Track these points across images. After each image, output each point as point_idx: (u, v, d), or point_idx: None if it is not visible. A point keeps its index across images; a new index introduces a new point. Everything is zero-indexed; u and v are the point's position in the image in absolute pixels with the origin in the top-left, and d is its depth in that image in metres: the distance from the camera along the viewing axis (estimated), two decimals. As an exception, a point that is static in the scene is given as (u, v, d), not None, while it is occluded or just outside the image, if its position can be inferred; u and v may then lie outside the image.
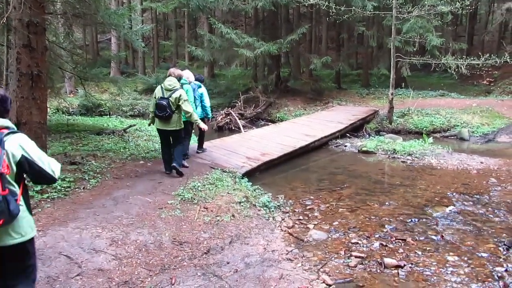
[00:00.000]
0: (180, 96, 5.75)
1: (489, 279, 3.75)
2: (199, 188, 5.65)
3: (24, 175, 2.39)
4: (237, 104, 15.23)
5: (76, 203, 4.84)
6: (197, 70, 20.19)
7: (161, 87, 5.88)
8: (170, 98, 5.73)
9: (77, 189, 5.29)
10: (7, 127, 2.35)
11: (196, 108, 7.01)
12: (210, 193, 5.56)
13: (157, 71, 22.83)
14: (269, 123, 13.71)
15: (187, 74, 6.87)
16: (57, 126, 10.16)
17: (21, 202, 2.34)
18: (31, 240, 2.46)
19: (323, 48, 21.04)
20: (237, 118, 13.10)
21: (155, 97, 5.91)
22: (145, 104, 18.14)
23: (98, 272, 3.46)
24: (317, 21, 21.66)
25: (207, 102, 7.43)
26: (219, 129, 13.46)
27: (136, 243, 4.02)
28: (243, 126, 12.64)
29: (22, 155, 2.30)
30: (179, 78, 6.09)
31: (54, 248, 3.71)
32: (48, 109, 8.13)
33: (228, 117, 13.61)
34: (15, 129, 2.42)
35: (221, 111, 14.29)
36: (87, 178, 5.74)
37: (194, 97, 7.00)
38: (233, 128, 13.21)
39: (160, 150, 6.47)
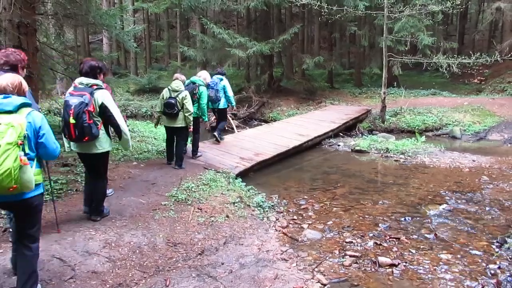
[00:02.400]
0: (185, 96, 6.48)
1: (483, 277, 3.78)
2: (193, 189, 5.63)
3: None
4: (230, 104, 15.19)
5: (68, 205, 4.80)
6: (189, 71, 20.10)
7: (169, 89, 6.56)
8: (177, 98, 6.42)
9: (69, 191, 5.24)
10: (97, 85, 4.09)
11: (220, 99, 8.50)
12: (204, 193, 5.55)
13: (149, 72, 22.73)
14: (262, 123, 13.69)
15: (204, 75, 7.63)
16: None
17: (102, 129, 4.11)
18: (107, 153, 4.35)
19: (315, 48, 21.11)
20: (230, 119, 13.04)
21: (163, 98, 6.57)
22: (137, 105, 18.05)
23: (92, 274, 3.43)
24: (309, 21, 21.70)
25: (230, 93, 8.69)
26: (212, 129, 13.39)
27: (129, 245, 3.99)
28: (236, 126, 12.62)
29: (102, 102, 4.00)
30: (183, 82, 6.75)
31: (47, 251, 3.67)
32: (40, 110, 8.07)
33: (221, 117, 13.56)
34: (103, 86, 4.19)
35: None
36: (79, 180, 5.69)
37: (217, 89, 8.40)
38: (226, 128, 13.16)
39: (165, 146, 7.14)
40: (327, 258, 4.19)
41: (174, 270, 3.69)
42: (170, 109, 6.40)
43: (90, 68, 4.12)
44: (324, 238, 4.70)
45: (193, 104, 7.03)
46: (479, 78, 19.03)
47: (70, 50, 16.98)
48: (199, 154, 7.58)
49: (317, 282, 3.66)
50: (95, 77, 4.15)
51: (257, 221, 5.04)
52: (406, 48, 13.70)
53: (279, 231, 4.86)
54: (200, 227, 4.57)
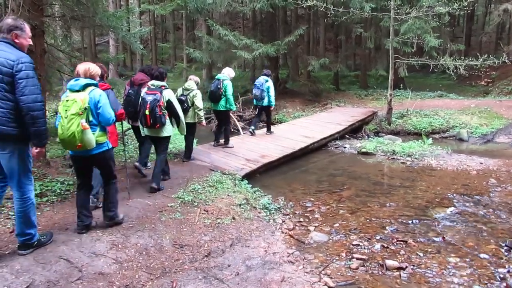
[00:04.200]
0: (195, 94, 7.08)
1: (491, 281, 3.74)
2: (199, 191, 5.63)
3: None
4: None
5: (75, 206, 4.80)
6: (195, 72, 20.14)
7: (182, 88, 7.21)
8: (188, 96, 7.05)
9: (76, 192, 5.24)
10: (164, 85, 5.62)
11: (264, 98, 9.58)
12: (210, 195, 5.55)
13: (155, 73, 22.77)
14: (268, 125, 13.65)
15: (228, 71, 8.29)
16: (56, 129, 10.09)
17: (167, 119, 5.54)
18: (169, 137, 5.75)
19: (321, 50, 21.06)
20: (236, 120, 13.06)
21: (176, 95, 6.95)
22: (143, 106, 18.08)
23: (99, 276, 3.44)
24: (315, 23, 21.67)
25: (272, 93, 9.67)
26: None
27: (136, 246, 3.99)
28: (241, 128, 12.62)
29: (168, 99, 5.53)
30: (197, 83, 7.29)
31: (54, 252, 3.69)
32: (47, 112, 8.20)
33: (227, 119, 13.56)
34: (167, 86, 5.70)
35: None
36: (86, 181, 5.70)
37: (263, 89, 9.50)
38: (232, 130, 13.17)
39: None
40: (334, 260, 4.17)
41: (180, 272, 3.68)
42: (181, 106, 6.76)
43: (159, 73, 5.72)
44: (330, 240, 4.67)
45: (220, 98, 8.00)
46: (486, 80, 18.91)
47: (77, 52, 17.06)
48: (230, 145, 8.49)
49: (324, 285, 3.63)
50: (163, 80, 5.71)
51: (263, 223, 5.03)
52: (413, 50, 13.63)
53: (286, 233, 4.84)
54: (207, 229, 4.56)
